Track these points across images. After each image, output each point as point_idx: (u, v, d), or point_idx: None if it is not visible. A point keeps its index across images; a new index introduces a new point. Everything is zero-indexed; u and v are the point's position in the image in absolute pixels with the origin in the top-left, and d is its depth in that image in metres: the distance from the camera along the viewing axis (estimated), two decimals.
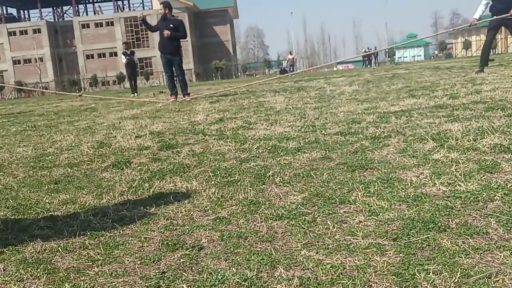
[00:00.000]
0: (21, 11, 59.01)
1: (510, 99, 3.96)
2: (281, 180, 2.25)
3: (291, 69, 30.22)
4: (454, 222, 1.55)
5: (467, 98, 4.39)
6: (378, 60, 38.11)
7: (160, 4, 8.74)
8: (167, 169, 2.74)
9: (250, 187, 2.18)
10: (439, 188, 1.88)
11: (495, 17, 7.69)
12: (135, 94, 14.37)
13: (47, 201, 2.26)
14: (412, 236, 1.47)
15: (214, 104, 6.84)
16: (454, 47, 51.08)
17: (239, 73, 52.02)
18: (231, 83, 21.02)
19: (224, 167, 2.63)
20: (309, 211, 1.79)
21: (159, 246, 1.59)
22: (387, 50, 38.10)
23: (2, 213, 2.14)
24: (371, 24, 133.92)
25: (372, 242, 1.45)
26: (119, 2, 57.93)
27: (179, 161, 2.91)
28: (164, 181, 2.47)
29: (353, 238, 1.50)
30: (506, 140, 2.51)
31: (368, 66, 36.05)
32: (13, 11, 57.68)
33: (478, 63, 8.68)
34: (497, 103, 3.83)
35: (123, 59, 15.12)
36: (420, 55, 53.87)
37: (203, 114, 5.40)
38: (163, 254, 1.52)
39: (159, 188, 2.35)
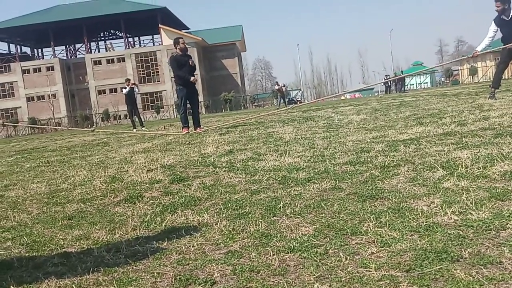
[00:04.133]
0: (35, 50, 60.63)
1: None
2: (292, 211, 2.26)
3: (281, 100, 27.96)
4: (467, 251, 1.54)
5: (475, 124, 4.39)
6: (400, 87, 37.20)
7: (180, 38, 9.00)
8: (178, 202, 2.76)
9: (261, 219, 2.19)
10: (451, 217, 1.88)
11: (504, 46, 7.74)
12: (142, 127, 14.53)
13: (61, 237, 2.29)
14: (425, 267, 1.47)
15: (224, 136, 6.90)
16: (461, 74, 51.26)
17: (247, 105, 52.50)
18: (240, 114, 21.23)
19: (235, 200, 2.64)
20: (321, 243, 1.79)
21: (172, 282, 1.60)
22: (407, 77, 37.81)
23: (17, 251, 2.16)
24: (376, 53, 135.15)
25: (385, 274, 1.45)
26: (130, 39, 59.33)
27: (190, 194, 2.93)
28: (175, 214, 2.49)
29: (366, 270, 1.50)
30: None
31: (391, 92, 35.90)
32: (27, 49, 59.26)
33: (485, 89, 8.70)
34: (506, 130, 3.82)
35: (124, 91, 15.39)
36: (427, 82, 54.07)
37: (213, 146, 5.44)
38: None
39: (171, 222, 2.37)
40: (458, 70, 53.20)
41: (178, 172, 3.80)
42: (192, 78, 8.78)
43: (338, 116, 8.52)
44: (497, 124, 4.20)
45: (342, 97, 44.66)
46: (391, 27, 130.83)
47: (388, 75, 46.69)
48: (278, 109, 21.79)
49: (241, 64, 65.89)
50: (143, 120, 16.64)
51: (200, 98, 47.95)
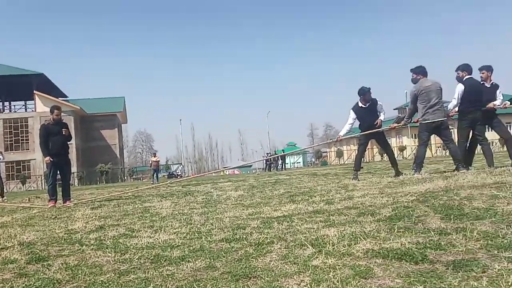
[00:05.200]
0: None
1: (378, 205, 4.35)
2: None
3: (155, 174, 26.53)
4: None
5: (341, 203, 4.73)
6: (280, 164, 39.26)
7: (55, 109, 8.52)
8: (34, 285, 2.46)
9: None
10: None
11: (362, 132, 8.68)
12: (2, 198, 13.11)
13: None
14: None
15: (96, 210, 6.48)
16: (329, 156, 55.94)
17: (125, 177, 50.61)
18: (116, 187, 20.28)
19: (100, 282, 2.43)
20: None
21: None
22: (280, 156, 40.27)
23: None
24: (255, 132, 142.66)
25: None
26: (0, 103, 54.80)
27: (49, 276, 2.63)
28: None
29: None
30: (377, 245, 2.70)
31: (272, 169, 37.42)
32: None
33: (349, 170, 9.52)
34: (367, 209, 4.17)
35: None
36: (300, 162, 57.90)
37: (82, 222, 5.06)
38: None
39: None
40: (327, 152, 58.05)
41: (38, 251, 3.42)
42: (64, 130, 8.40)
43: (217, 192, 8.58)
44: (360, 204, 4.56)
45: (222, 173, 45.46)
46: (268, 109, 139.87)
47: (269, 153, 49.19)
48: (153, 183, 21.25)
49: (121, 136, 64.29)
50: (5, 190, 15.03)
51: (74, 169, 45.15)
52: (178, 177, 42.11)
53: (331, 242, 2.86)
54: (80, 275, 2.61)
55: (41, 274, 2.72)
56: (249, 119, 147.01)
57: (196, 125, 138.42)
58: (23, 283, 2.53)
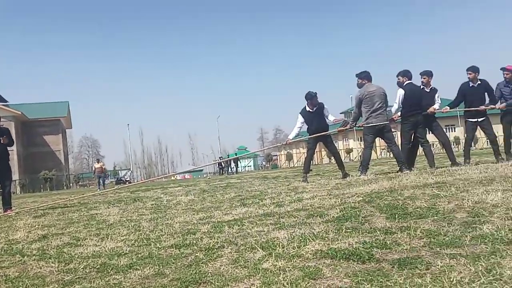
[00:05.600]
0: None
1: (326, 206, 4.43)
2: None
3: (101, 181, 25.36)
4: None
5: (291, 206, 4.78)
6: (232, 168, 39.52)
7: None
8: None
9: None
10: None
11: (310, 136, 8.85)
12: None
13: None
14: None
15: (39, 219, 6.20)
16: (279, 159, 56.61)
17: (71, 184, 48.83)
18: (61, 194, 19.51)
19: None
20: None
21: None
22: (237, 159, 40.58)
23: None
24: (205, 137, 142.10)
25: None
26: None
27: None
28: None
29: None
30: (325, 246, 2.75)
31: (224, 173, 37.59)
32: None
33: (299, 173, 9.66)
34: (316, 210, 4.24)
35: None
36: (250, 165, 58.17)
37: (24, 231, 4.82)
38: None
39: None
40: (277, 155, 58.69)
41: None
42: (1, 138, 7.95)
43: (167, 197, 8.44)
44: (309, 205, 4.64)
45: (173, 178, 44.84)
46: (218, 113, 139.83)
47: (222, 157, 49.10)
48: (99, 190, 20.58)
49: (66, 141, 61.96)
50: None
51: (15, 176, 43.03)
52: (127, 183, 41.07)
53: (281, 244, 2.89)
54: (21, 287, 2.48)
55: None
56: (199, 124, 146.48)
57: (144, 130, 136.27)
58: None
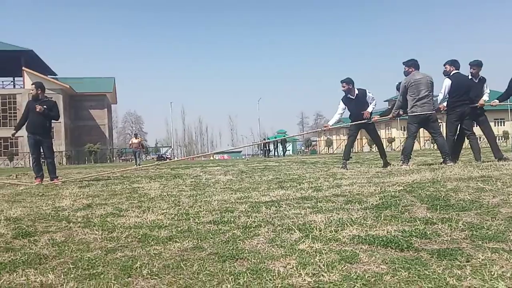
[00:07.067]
0: None
1: (365, 193, 4.39)
2: (149, 272, 2.15)
3: (137, 155, 23.87)
4: None
5: (329, 191, 4.76)
6: (281, 150, 37.59)
7: (32, 84, 8.38)
8: (20, 260, 2.45)
9: (114, 280, 2.03)
10: (305, 279, 1.95)
11: (352, 123, 8.71)
12: None
13: None
14: None
15: (84, 189, 6.46)
16: (318, 144, 56.17)
17: (114, 158, 50.38)
18: (104, 167, 20.19)
19: (87, 258, 2.43)
20: None
21: None
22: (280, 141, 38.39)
23: None
24: (245, 118, 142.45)
25: None
26: None
27: (36, 251, 2.62)
28: (15, 274, 2.19)
29: None
30: (363, 232, 2.74)
31: (269, 155, 35.95)
32: None
33: (338, 160, 9.58)
34: (355, 197, 4.21)
35: None
36: (289, 150, 57.99)
37: (70, 199, 5.04)
38: None
39: (8, 282, 2.07)
40: (317, 141, 58.25)
41: (25, 226, 3.41)
42: (37, 106, 8.12)
43: (206, 176, 8.59)
44: (347, 192, 4.60)
45: (211, 157, 45.44)
46: (260, 96, 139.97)
47: (265, 138, 47.48)
48: (138, 164, 20.66)
49: (111, 116, 63.82)
50: None
51: (62, 147, 44.87)
52: (167, 159, 41.94)
53: (318, 227, 2.89)
54: (66, 251, 2.61)
55: (28, 249, 2.71)
56: (240, 105, 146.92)
57: (186, 109, 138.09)
58: (9, 257, 2.52)
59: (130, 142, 24.87)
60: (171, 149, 64.78)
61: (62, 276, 2.13)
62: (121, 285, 1.97)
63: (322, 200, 4.11)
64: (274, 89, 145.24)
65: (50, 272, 2.19)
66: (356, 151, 41.32)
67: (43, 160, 8.68)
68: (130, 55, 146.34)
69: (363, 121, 8.46)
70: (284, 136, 41.85)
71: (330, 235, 2.69)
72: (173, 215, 3.70)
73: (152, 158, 49.38)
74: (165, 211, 3.97)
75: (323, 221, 3.11)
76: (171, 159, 42.69)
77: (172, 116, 67.34)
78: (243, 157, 47.78)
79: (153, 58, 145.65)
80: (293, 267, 2.12)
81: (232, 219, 3.38)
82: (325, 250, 2.39)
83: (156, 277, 2.07)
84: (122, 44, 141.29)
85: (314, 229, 2.86)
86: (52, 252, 2.60)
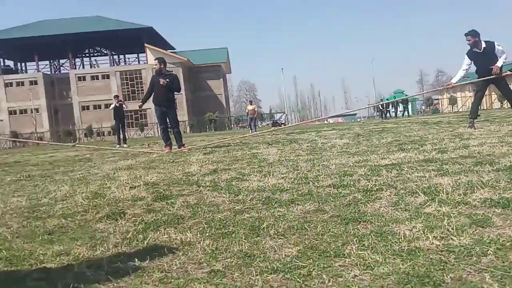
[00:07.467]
0: (19, 64, 60.06)
1: (497, 154, 4.06)
2: (276, 232, 2.27)
3: (253, 123, 24.03)
4: (448, 277, 1.56)
5: (456, 152, 4.48)
6: (401, 111, 34.99)
7: (155, 59, 9.04)
8: (161, 220, 2.74)
9: (244, 239, 2.18)
10: (433, 242, 1.91)
11: (479, 78, 7.98)
12: (124, 145, 14.52)
13: (41, 252, 2.25)
14: None
15: (208, 156, 6.89)
16: (441, 103, 52.40)
17: (232, 125, 52.61)
18: (224, 135, 21.24)
19: (218, 219, 2.64)
20: (304, 264, 1.79)
21: None
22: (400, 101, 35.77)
23: None
24: (359, 80, 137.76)
25: None
26: (115, 57, 59.32)
27: (174, 212, 2.91)
28: (158, 232, 2.47)
29: None
30: (496, 195, 2.56)
31: (385, 116, 34.12)
32: (10, 63, 58.64)
33: (464, 119, 8.89)
34: (485, 158, 3.91)
35: (110, 107, 15.57)
36: (402, 111, 55.01)
37: (197, 165, 5.43)
38: None
39: (153, 239, 2.35)
40: (438, 99, 54.38)
41: (162, 190, 3.78)
42: (161, 80, 8.66)
43: (321, 140, 8.60)
44: (476, 153, 4.29)
45: (326, 122, 45.12)
46: (374, 56, 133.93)
47: (382, 99, 44.76)
48: (251, 132, 20.88)
49: (226, 86, 66.33)
50: (127, 137, 16.64)
51: (185, 117, 48.06)
52: (282, 125, 42.61)
53: (444, 190, 2.77)
54: (200, 213, 2.85)
55: (166, 210, 3.02)
56: (353, 68, 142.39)
57: (298, 75, 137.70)
58: (152, 218, 2.83)
59: (246, 110, 25.50)
60: (285, 114, 65.59)
61: (198, 235, 2.34)
62: (251, 244, 2.12)
63: (448, 162, 3.89)
64: (389, 49, 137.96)
65: (188, 231, 2.43)
66: (485, 108, 37.82)
67: (169, 130, 9.39)
68: (241, 25, 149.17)
69: (491, 77, 7.71)
70: (403, 96, 39.42)
71: (458, 199, 2.57)
72: (292, 179, 3.81)
73: (267, 124, 50.56)
74: (284, 175, 4.09)
75: (450, 184, 2.96)
76: (285, 125, 43.28)
77: (284, 83, 67.74)
78: (358, 120, 46.65)
79: (263, 27, 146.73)
80: (419, 230, 2.08)
81: (351, 183, 3.38)
82: (454, 213, 2.30)
83: (282, 237, 2.18)
84: (233, 14, 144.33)
85: (441, 192, 2.74)
86: (188, 213, 2.86)
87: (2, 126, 49.94)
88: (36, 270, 1.99)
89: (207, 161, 5.93)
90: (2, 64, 55.28)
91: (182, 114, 46.94)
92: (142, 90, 50.40)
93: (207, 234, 2.34)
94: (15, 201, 3.84)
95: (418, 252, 1.81)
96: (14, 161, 10.41)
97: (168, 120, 9.06)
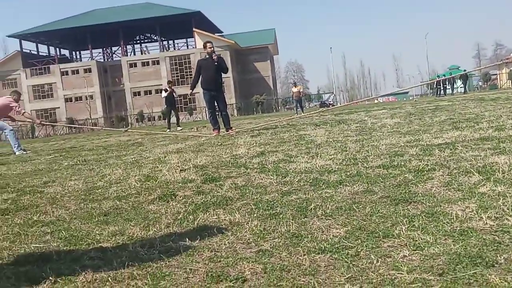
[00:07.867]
0: (73, 52, 62.54)
1: None
2: (323, 213, 2.26)
3: (298, 105, 23.94)
4: (502, 257, 1.51)
5: None
6: (459, 87, 32.81)
7: (208, 42, 9.12)
8: (210, 201, 2.80)
9: (292, 220, 2.20)
10: (486, 222, 1.84)
11: None
12: (178, 128, 14.86)
13: (97, 232, 2.37)
14: (458, 271, 1.44)
15: (255, 138, 6.93)
16: (499, 78, 49.67)
17: (279, 107, 52.47)
18: (271, 117, 21.24)
19: (266, 200, 2.66)
20: (352, 244, 1.79)
21: (204, 278, 1.63)
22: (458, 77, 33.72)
23: (55, 244, 2.25)
24: (411, 57, 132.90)
25: (417, 277, 1.44)
26: (165, 42, 60.44)
27: (222, 194, 2.97)
28: (208, 213, 2.53)
29: (398, 273, 1.49)
30: None
31: (439, 94, 32.46)
32: (65, 52, 61.16)
33: None
34: None
35: (163, 94, 15.90)
36: (463, 87, 52.67)
37: (245, 148, 5.48)
38: (207, 285, 1.56)
39: (203, 220, 2.41)
40: (497, 74, 51.58)
41: (210, 172, 3.85)
42: (214, 56, 8.83)
43: (371, 120, 8.42)
44: None
45: (376, 101, 44.05)
46: (427, 31, 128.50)
47: (439, 76, 42.25)
48: (297, 114, 20.51)
49: (273, 67, 66.00)
50: (179, 120, 17.11)
51: (232, 100, 48.41)
52: (330, 106, 42.03)
53: (501, 169, 2.65)
54: (248, 194, 2.89)
55: (215, 192, 3.08)
56: (405, 44, 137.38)
57: (347, 54, 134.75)
58: (201, 199, 2.90)
59: (291, 92, 25.11)
60: (333, 95, 64.59)
61: (247, 216, 2.38)
62: (299, 224, 2.13)
63: (505, 140, 3.72)
64: (443, 23, 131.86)
65: (236, 212, 2.47)
66: None
67: (217, 113, 9.50)
68: (288, 6, 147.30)
69: None
70: (459, 71, 37.53)
71: None
72: (341, 160, 3.77)
73: (315, 105, 50.06)
74: (332, 156, 4.05)
75: (506, 162, 2.83)
76: (333, 105, 42.64)
77: (333, 62, 66.57)
78: (410, 98, 45.18)
79: (310, 6, 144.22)
80: (472, 210, 2.01)
81: (402, 163, 3.30)
82: (510, 193, 2.20)
83: (330, 218, 2.18)
84: None
85: (496, 171, 2.63)
86: (236, 195, 2.91)
87: (58, 113, 52.43)
88: (93, 249, 2.10)
89: (254, 144, 5.97)
90: (58, 53, 57.75)
91: (230, 97, 47.32)
92: (191, 74, 51.04)
93: (255, 215, 2.37)
94: (73, 185, 4.05)
95: (471, 232, 1.76)
96: (70, 146, 10.93)
97: (216, 104, 9.17)
